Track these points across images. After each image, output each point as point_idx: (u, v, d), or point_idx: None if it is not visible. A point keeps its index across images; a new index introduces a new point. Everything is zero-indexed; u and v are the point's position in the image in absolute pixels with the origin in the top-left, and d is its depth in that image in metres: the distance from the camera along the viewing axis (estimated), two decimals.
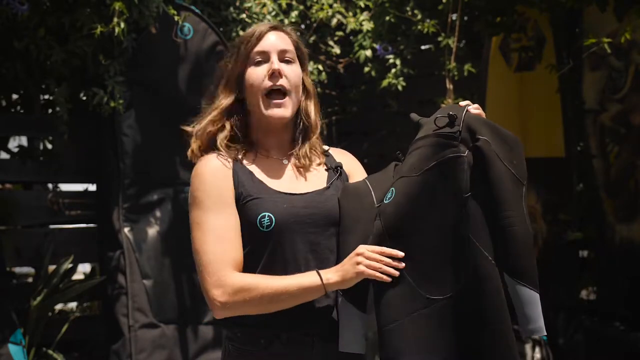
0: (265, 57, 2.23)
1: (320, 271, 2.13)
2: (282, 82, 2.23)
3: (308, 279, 2.12)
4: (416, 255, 2.13)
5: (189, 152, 2.31)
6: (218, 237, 2.16)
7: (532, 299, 2.08)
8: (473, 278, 2.09)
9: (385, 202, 2.16)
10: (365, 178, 2.28)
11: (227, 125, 2.26)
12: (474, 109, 2.18)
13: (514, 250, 2.08)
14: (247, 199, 2.20)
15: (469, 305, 2.09)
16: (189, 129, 2.32)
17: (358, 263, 2.09)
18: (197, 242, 2.19)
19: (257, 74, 2.22)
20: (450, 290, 2.11)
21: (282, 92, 2.24)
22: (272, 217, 2.18)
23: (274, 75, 2.22)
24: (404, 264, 2.10)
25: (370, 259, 2.09)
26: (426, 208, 2.13)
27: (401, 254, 2.11)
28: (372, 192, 2.21)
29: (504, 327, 2.08)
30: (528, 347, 4.51)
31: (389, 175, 2.23)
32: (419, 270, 2.12)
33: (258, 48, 2.23)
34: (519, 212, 2.11)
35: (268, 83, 2.22)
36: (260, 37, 2.23)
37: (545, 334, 2.12)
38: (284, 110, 2.24)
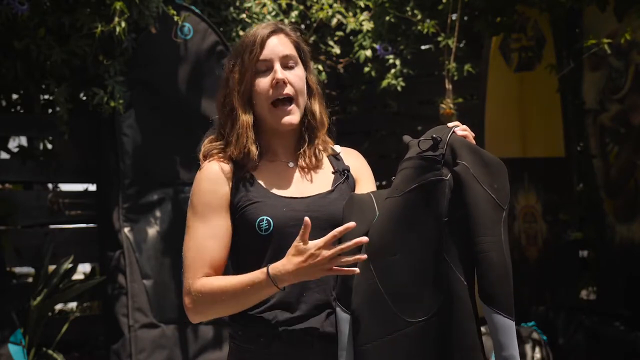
0: (269, 65, 2.23)
1: (271, 267, 2.10)
2: (287, 90, 2.23)
3: (261, 283, 2.11)
4: (395, 277, 2.13)
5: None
6: (198, 244, 2.20)
7: (506, 327, 2.05)
8: (447, 301, 2.09)
9: (374, 221, 2.17)
10: (371, 192, 2.28)
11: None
12: (461, 130, 2.17)
13: (488, 276, 2.05)
14: (246, 203, 2.21)
15: (443, 328, 2.09)
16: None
17: (319, 269, 2.07)
18: (183, 245, 2.24)
19: (262, 85, 2.22)
20: (427, 313, 2.11)
21: (288, 100, 2.24)
22: (271, 220, 2.19)
23: (279, 85, 2.22)
24: (365, 256, 2.07)
25: (331, 268, 2.07)
26: (406, 229, 2.13)
27: (365, 239, 2.07)
28: (376, 209, 2.20)
29: (473, 353, 2.09)
30: (528, 347, 4.50)
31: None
32: (398, 291, 2.12)
33: (261, 57, 2.22)
34: (496, 237, 2.06)
35: (274, 94, 2.22)
36: (262, 44, 2.21)
37: None
38: (291, 117, 2.24)
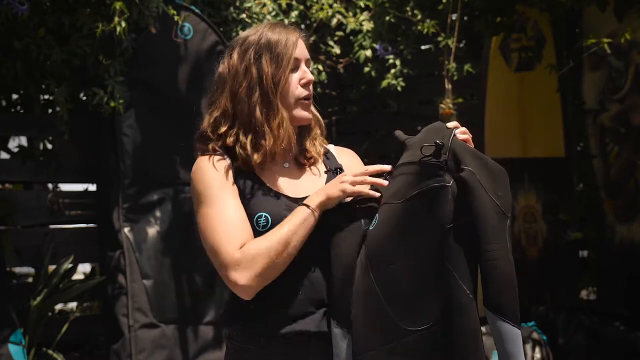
0: (298, 64, 2.29)
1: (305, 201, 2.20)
2: (311, 91, 2.31)
3: (300, 215, 2.16)
4: (395, 285, 2.11)
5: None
6: (223, 220, 2.17)
7: (513, 335, 2.05)
8: (449, 310, 2.07)
9: (370, 228, 2.15)
10: None
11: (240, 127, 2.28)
12: (461, 133, 2.15)
13: (495, 285, 2.04)
14: (244, 198, 2.21)
15: (445, 337, 2.07)
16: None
17: (342, 182, 2.18)
18: (204, 233, 2.20)
19: (293, 81, 2.28)
20: (427, 322, 2.08)
21: (307, 98, 2.32)
22: (269, 217, 2.19)
23: (308, 85, 2.29)
24: (389, 167, 2.17)
25: (355, 182, 2.17)
26: (406, 237, 2.10)
27: (385, 182, 2.15)
28: None
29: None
30: (528, 347, 4.50)
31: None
32: (398, 299, 2.10)
33: (295, 55, 2.27)
34: (502, 245, 2.05)
35: (303, 92, 2.28)
36: (296, 44, 2.28)
37: None
38: (310, 113, 2.31)
